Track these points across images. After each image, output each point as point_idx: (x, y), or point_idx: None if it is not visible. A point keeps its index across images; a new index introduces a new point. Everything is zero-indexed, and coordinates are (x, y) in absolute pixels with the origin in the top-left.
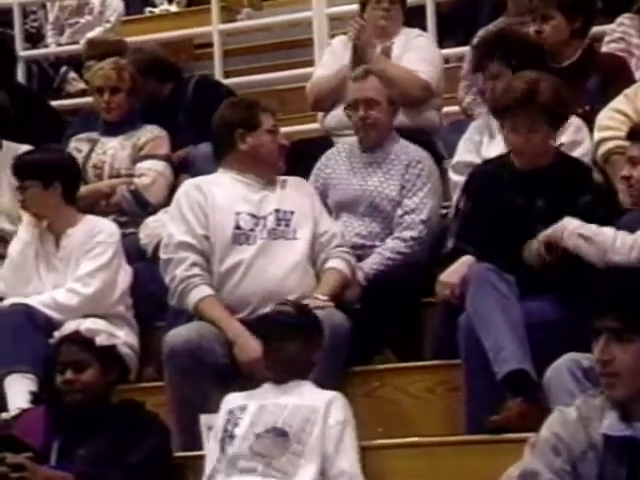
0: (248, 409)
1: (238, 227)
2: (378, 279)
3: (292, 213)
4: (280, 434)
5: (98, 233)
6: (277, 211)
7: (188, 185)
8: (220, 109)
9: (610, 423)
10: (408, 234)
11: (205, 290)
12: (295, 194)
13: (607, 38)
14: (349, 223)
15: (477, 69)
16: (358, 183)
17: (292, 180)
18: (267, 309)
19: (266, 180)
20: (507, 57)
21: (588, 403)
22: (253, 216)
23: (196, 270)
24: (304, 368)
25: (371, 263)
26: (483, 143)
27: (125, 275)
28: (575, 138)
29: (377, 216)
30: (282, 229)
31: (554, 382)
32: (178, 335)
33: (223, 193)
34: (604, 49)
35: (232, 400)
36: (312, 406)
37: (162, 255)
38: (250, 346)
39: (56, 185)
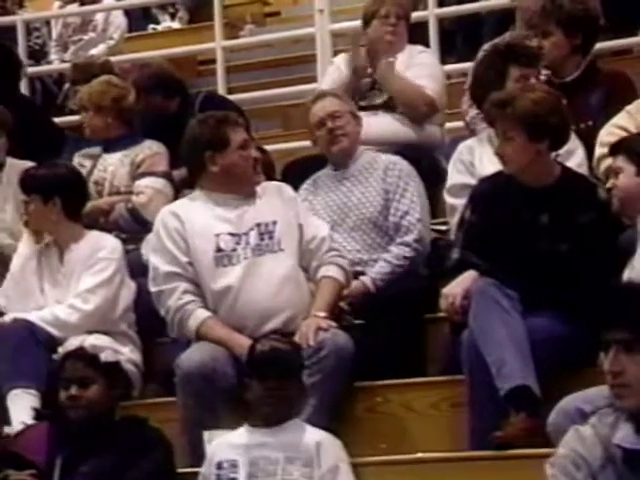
0: (239, 467)
1: (219, 249)
2: (381, 294)
3: (275, 224)
4: None
5: (100, 249)
6: (258, 225)
7: (165, 213)
8: (188, 129)
9: (624, 435)
10: (410, 237)
11: (202, 314)
12: (276, 202)
13: None
14: (338, 243)
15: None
16: (341, 201)
17: (272, 187)
18: (265, 328)
19: (244, 195)
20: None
21: (602, 420)
22: (233, 235)
23: (188, 297)
24: (296, 406)
25: (382, 273)
26: (475, 163)
27: (128, 292)
28: (569, 147)
29: (366, 228)
30: (266, 243)
31: (558, 432)
32: (191, 359)
33: (200, 216)
34: None
35: (219, 451)
36: (304, 459)
37: (151, 288)
38: None
39: (56, 200)
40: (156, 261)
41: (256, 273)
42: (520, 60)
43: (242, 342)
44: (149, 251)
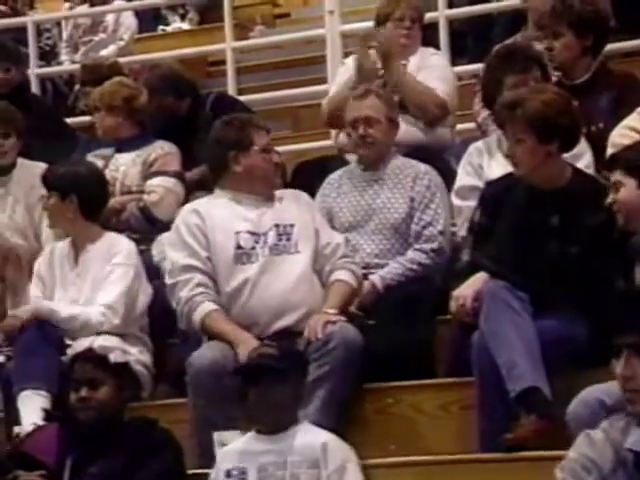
0: (248, 474)
1: (239, 247)
2: (392, 295)
3: (292, 226)
4: None
5: (117, 254)
6: (277, 226)
7: (185, 211)
8: (213, 129)
9: (636, 439)
10: (429, 246)
11: (209, 306)
12: (294, 207)
13: None
14: (359, 245)
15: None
16: (366, 202)
17: (290, 193)
18: (276, 326)
19: (263, 197)
20: None
21: (613, 425)
22: (253, 234)
23: (201, 289)
24: (294, 410)
25: (392, 273)
26: (483, 165)
27: (144, 297)
28: (577, 151)
29: (387, 233)
30: (283, 244)
31: (577, 421)
32: (203, 357)
33: (221, 214)
34: None
35: (228, 458)
36: (311, 460)
37: (168, 281)
38: None
39: (72, 198)
40: (175, 255)
41: (273, 271)
42: (513, 68)
43: (245, 339)
44: (166, 248)
